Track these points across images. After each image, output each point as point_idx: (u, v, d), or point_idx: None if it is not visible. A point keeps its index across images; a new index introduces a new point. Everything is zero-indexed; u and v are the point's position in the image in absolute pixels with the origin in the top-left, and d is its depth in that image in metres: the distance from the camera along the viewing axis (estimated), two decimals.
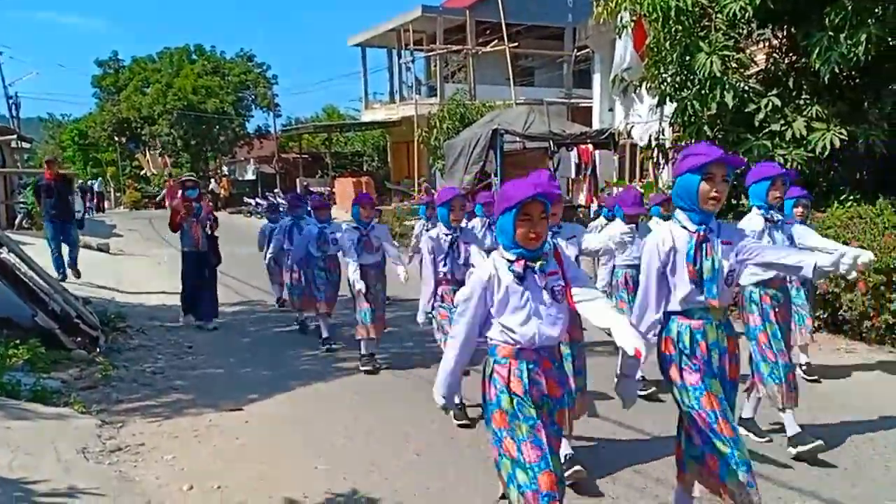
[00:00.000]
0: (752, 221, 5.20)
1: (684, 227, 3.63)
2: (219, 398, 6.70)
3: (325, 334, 8.74)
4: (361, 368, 7.69)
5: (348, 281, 7.68)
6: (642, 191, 8.90)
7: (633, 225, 6.34)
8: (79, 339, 8.12)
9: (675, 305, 3.67)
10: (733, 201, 10.00)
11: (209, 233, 9.94)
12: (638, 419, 5.80)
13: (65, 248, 13.04)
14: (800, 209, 6.15)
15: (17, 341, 7.37)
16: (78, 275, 12.90)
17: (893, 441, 5.47)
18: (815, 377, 7.03)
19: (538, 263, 3.34)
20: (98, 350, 8.09)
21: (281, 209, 12.03)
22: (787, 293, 5.43)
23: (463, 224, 6.47)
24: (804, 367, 7.03)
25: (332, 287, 8.76)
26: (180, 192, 10.13)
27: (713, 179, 3.48)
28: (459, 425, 5.87)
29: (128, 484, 4.78)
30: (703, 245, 3.58)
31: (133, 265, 17.20)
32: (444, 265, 6.15)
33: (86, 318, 8.44)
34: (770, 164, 5.45)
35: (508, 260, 3.35)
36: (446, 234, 6.14)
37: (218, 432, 5.87)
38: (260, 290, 12.20)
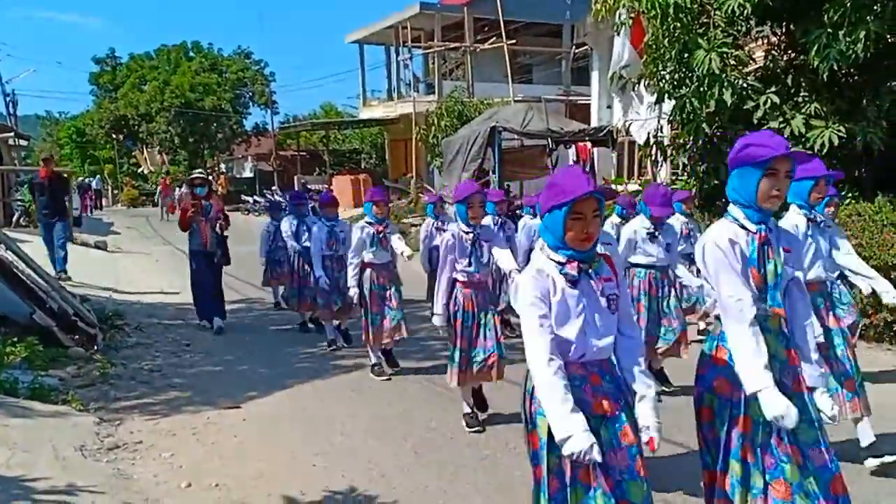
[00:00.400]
0: (793, 220, 4.84)
1: (743, 227, 3.21)
2: (217, 396, 6.69)
3: (329, 335, 8.63)
4: (373, 375, 7.41)
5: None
6: (671, 189, 8.73)
7: (656, 224, 6.25)
8: (77, 336, 8.10)
9: None
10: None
11: (219, 232, 9.65)
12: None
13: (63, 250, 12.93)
14: (832, 208, 5.83)
15: (15, 339, 7.37)
16: (67, 278, 12.29)
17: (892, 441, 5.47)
18: None
19: (592, 265, 3.01)
20: (96, 348, 8.08)
21: (284, 207, 11.72)
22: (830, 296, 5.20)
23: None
24: None
25: (340, 291, 8.23)
26: (177, 189, 10.09)
27: (776, 175, 3.09)
28: (472, 432, 5.75)
29: (126, 481, 4.78)
30: (765, 247, 3.19)
31: (131, 263, 17.18)
32: (469, 265, 5.72)
33: (83, 315, 8.42)
34: (816, 161, 5.11)
35: (558, 262, 2.99)
36: (467, 233, 5.72)
37: (216, 430, 5.86)
38: (258, 289, 12.18)
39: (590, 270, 3.00)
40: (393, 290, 7.31)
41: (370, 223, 7.20)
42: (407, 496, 4.62)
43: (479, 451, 5.38)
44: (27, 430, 5.31)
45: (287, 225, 9.66)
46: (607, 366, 3.07)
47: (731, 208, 3.28)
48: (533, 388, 3.00)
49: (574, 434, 2.75)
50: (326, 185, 32.68)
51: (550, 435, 2.85)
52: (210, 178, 42.57)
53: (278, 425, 5.99)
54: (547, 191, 2.98)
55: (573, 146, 20.55)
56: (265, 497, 4.62)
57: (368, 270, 7.25)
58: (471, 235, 5.72)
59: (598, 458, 2.76)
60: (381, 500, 4.56)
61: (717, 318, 3.35)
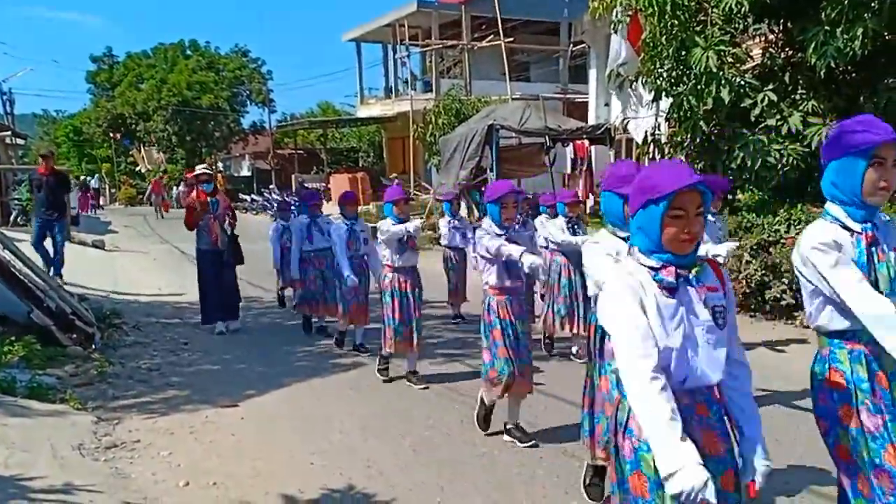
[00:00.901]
0: None
1: (845, 227, 2.83)
2: (215, 394, 6.69)
3: (358, 340, 8.25)
4: (379, 376, 7.22)
5: (378, 283, 7.12)
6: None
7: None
8: (74, 335, 8.10)
9: (840, 324, 2.84)
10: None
11: (228, 230, 9.29)
12: None
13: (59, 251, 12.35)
14: None
15: (13, 338, 7.35)
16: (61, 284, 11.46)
17: None
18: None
19: (693, 270, 2.49)
20: (94, 347, 8.08)
21: (293, 207, 11.34)
22: None
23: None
24: None
25: (361, 294, 7.95)
26: (175, 187, 9.99)
27: (884, 165, 2.70)
28: (527, 446, 5.37)
29: (123, 480, 4.78)
30: (874, 248, 2.79)
31: (128, 262, 17.17)
32: (504, 270, 5.29)
33: (81, 314, 8.41)
34: None
35: (651, 267, 2.48)
36: (499, 235, 5.23)
37: (214, 428, 5.86)
38: (256, 287, 12.18)
39: (690, 277, 2.48)
40: (416, 296, 6.90)
41: (397, 224, 6.70)
42: (405, 494, 4.62)
43: (477, 449, 5.38)
44: (25, 429, 5.31)
45: (299, 225, 9.15)
46: (715, 395, 2.56)
47: (830, 206, 2.90)
48: (627, 418, 2.51)
49: (685, 467, 2.23)
50: (324, 184, 32.70)
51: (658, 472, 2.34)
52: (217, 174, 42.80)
53: (276, 424, 5.99)
54: (639, 184, 2.51)
55: (571, 144, 20.60)
56: (263, 495, 4.62)
57: (392, 275, 6.81)
58: (503, 238, 5.22)
59: (713, 500, 2.24)
60: (379, 499, 4.56)
61: (819, 331, 2.95)
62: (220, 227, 9.16)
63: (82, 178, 38.78)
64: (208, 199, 9.20)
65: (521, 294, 5.55)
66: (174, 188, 43.20)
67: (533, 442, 5.38)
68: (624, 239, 3.49)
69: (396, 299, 6.78)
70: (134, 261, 17.45)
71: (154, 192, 36.50)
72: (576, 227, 7.59)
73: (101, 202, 44.66)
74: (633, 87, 11.50)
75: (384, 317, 6.86)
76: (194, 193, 9.43)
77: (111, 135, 49.61)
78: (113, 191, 49.96)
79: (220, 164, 48.86)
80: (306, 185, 32.96)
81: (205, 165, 10.39)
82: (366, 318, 8.18)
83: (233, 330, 9.34)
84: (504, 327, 5.29)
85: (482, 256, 5.33)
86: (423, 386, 6.92)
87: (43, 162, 12.49)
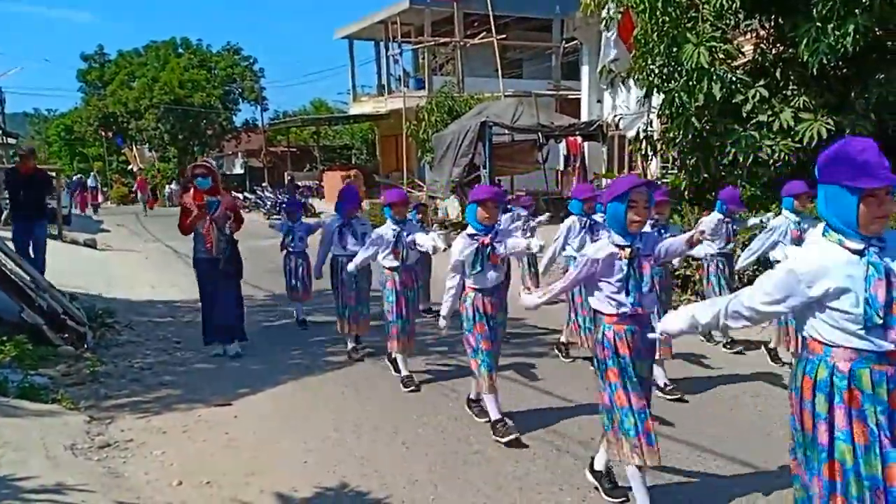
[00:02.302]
0: None
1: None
2: (208, 393, 6.68)
3: (403, 372, 7.00)
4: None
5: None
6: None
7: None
8: (66, 335, 8.06)
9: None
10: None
11: (227, 234, 7.89)
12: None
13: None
14: None
15: (4, 338, 7.32)
16: None
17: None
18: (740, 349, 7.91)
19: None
20: (86, 346, 8.05)
21: (299, 206, 10.57)
22: None
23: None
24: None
25: (410, 310, 6.99)
26: (168, 185, 9.63)
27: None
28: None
29: (116, 480, 4.77)
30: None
31: (120, 261, 17.11)
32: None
33: (73, 314, 8.38)
34: None
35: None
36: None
37: (207, 427, 5.85)
38: (248, 285, 12.14)
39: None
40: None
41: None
42: (399, 492, 4.63)
43: (470, 445, 5.38)
44: (17, 429, 5.29)
45: (328, 233, 8.03)
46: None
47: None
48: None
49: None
50: (317, 181, 32.69)
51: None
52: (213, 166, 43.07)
53: (270, 422, 5.98)
54: (838, 166, 2.84)
55: (563, 141, 20.62)
56: (257, 494, 4.62)
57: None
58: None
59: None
60: (372, 496, 4.56)
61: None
62: (217, 232, 7.81)
63: (76, 176, 38.65)
64: (206, 198, 7.79)
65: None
66: (167, 186, 43.18)
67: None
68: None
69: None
70: (126, 259, 17.40)
71: (139, 189, 36.97)
72: (592, 224, 7.31)
73: (100, 200, 44.72)
74: (625, 83, 11.50)
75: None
76: (189, 195, 7.96)
77: (102, 133, 49.51)
78: (105, 189, 49.84)
79: (212, 163, 48.76)
80: (298, 183, 32.98)
81: (203, 159, 9.10)
82: (412, 345, 7.12)
83: (232, 354, 8.06)
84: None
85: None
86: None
87: (22, 161, 11.44)
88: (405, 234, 6.82)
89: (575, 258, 6.80)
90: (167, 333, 9.24)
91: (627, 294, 4.07)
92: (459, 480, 4.78)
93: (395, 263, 6.82)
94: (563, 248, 7.48)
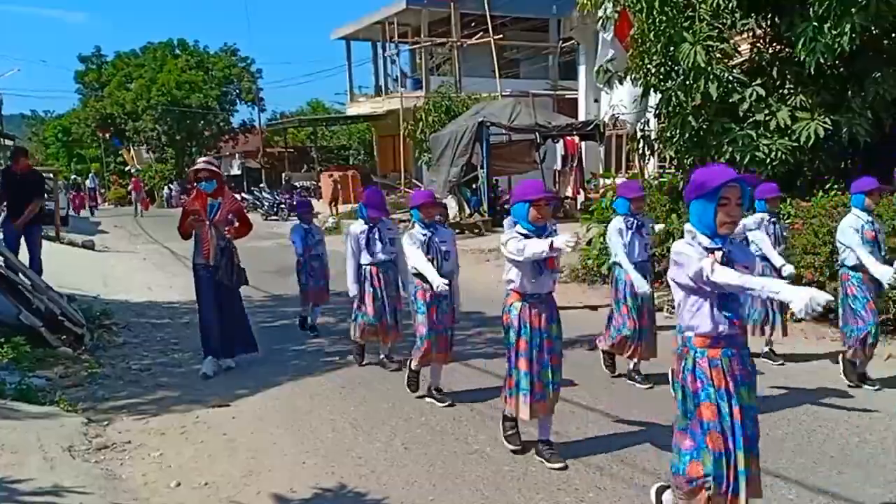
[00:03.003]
0: None
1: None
2: (206, 395, 6.67)
3: (438, 400, 6.37)
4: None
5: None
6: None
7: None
8: (64, 336, 8.06)
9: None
10: None
11: (226, 240, 7.28)
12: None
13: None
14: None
15: (2, 340, 7.32)
16: None
17: (880, 432, 5.51)
18: (781, 362, 7.35)
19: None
20: (83, 348, 8.05)
21: (309, 205, 9.69)
22: None
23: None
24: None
25: (444, 321, 6.32)
26: (166, 187, 9.39)
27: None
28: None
29: (114, 482, 4.77)
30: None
31: (118, 262, 17.11)
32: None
33: (70, 315, 8.38)
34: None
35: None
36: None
37: (205, 428, 5.85)
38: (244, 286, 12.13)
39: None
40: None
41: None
42: (397, 492, 4.63)
43: (468, 445, 5.38)
44: (15, 431, 5.29)
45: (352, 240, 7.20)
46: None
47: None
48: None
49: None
50: (315, 182, 32.69)
51: None
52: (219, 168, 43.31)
53: (267, 423, 5.98)
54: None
55: (561, 140, 20.63)
56: (255, 495, 4.62)
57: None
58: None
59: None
60: (370, 497, 4.56)
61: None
62: (216, 238, 7.20)
63: (72, 177, 38.69)
64: (209, 201, 7.24)
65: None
66: (165, 187, 43.17)
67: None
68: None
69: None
70: (124, 261, 17.39)
71: (135, 190, 37.29)
72: (640, 225, 6.62)
73: (98, 202, 44.80)
74: (622, 82, 11.50)
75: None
76: (191, 197, 7.59)
77: (100, 135, 49.49)
78: (102, 191, 49.85)
79: (216, 162, 48.76)
80: (294, 183, 33.00)
81: (206, 159, 7.91)
82: (448, 359, 6.54)
83: (226, 368, 7.52)
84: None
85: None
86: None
87: (15, 160, 10.83)
88: (436, 239, 6.16)
89: (620, 265, 6.58)
90: (165, 335, 9.24)
91: (721, 309, 3.48)
92: (458, 481, 4.78)
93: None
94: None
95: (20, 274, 8.42)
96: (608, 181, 14.12)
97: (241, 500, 4.56)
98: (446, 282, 5.89)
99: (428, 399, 6.38)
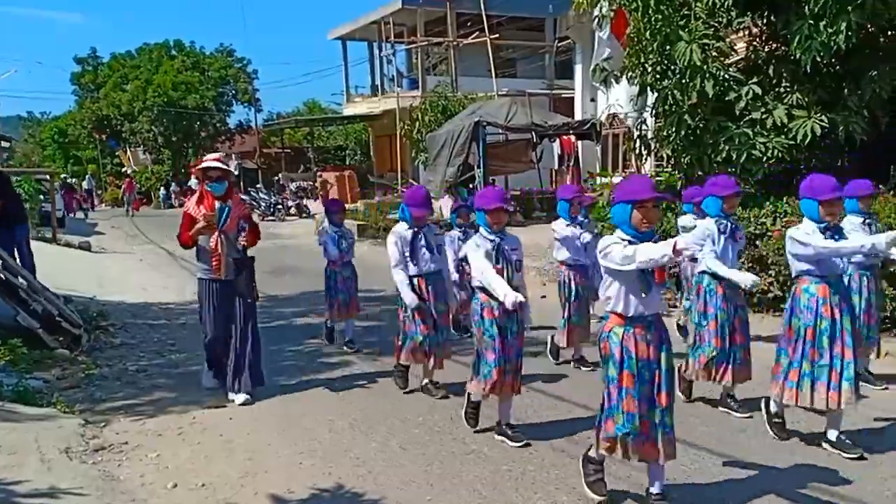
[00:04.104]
0: None
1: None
2: (202, 395, 6.66)
3: (512, 438, 5.41)
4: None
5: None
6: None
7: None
8: (61, 338, 8.06)
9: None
10: None
11: (239, 249, 6.41)
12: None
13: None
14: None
15: None
16: None
17: None
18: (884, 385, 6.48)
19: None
20: (81, 349, 8.04)
21: (341, 206, 8.76)
22: None
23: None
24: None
25: (513, 347, 5.39)
26: (163, 189, 8.92)
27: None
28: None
29: (112, 483, 4.76)
30: None
31: (115, 263, 17.08)
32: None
33: (68, 316, 8.37)
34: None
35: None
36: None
37: (202, 430, 5.84)
38: None
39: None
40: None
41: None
42: (394, 492, 4.62)
43: (466, 445, 5.38)
44: (12, 432, 5.28)
45: (399, 238, 6.30)
46: None
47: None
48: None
49: None
50: (312, 182, 32.66)
51: None
52: (194, 176, 43.35)
53: (264, 424, 5.97)
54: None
55: (557, 139, 20.63)
56: (252, 496, 4.61)
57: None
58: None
59: None
60: (368, 497, 4.56)
61: None
62: (226, 248, 6.35)
63: (62, 177, 38.70)
64: (216, 205, 6.32)
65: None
66: (161, 189, 43.12)
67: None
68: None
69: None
70: (120, 262, 17.36)
71: (127, 191, 38.17)
72: (734, 228, 5.89)
73: (94, 203, 44.84)
74: (619, 81, 11.51)
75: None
76: (194, 199, 6.50)
77: (96, 136, 49.43)
78: (99, 192, 49.79)
79: (227, 161, 48.71)
80: (283, 183, 33.04)
81: (216, 156, 6.88)
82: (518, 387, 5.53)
83: (240, 402, 6.45)
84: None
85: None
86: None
87: None
88: (506, 246, 5.28)
89: (706, 273, 5.83)
90: (161, 336, 9.23)
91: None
92: (455, 481, 4.78)
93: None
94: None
95: (17, 275, 8.41)
96: (605, 180, 14.15)
97: (239, 500, 4.56)
98: (521, 297, 4.95)
99: (498, 437, 5.44)
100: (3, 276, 8.26)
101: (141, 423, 5.99)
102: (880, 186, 6.66)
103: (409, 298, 6.20)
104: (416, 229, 6.27)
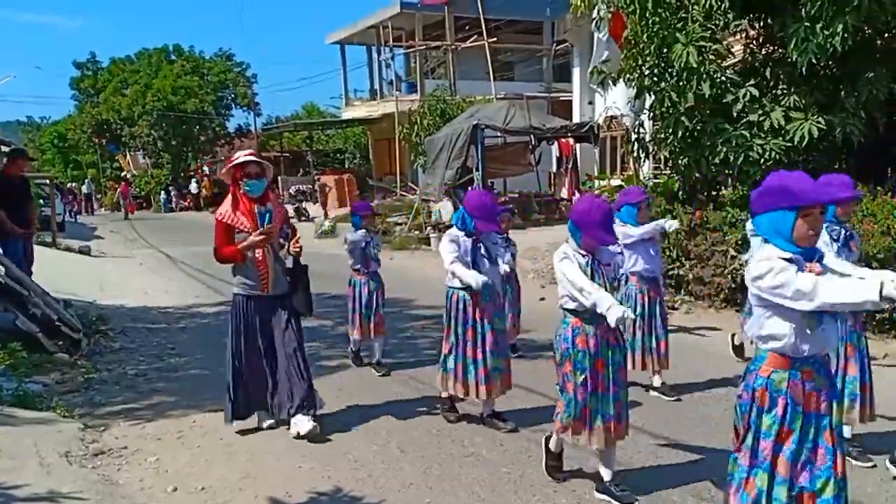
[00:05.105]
0: None
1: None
2: (202, 399, 6.66)
3: (619, 497, 4.45)
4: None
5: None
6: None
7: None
8: (60, 342, 8.06)
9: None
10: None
11: (289, 258, 5.61)
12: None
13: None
14: None
15: None
16: None
17: None
18: None
19: None
20: (80, 353, 8.05)
21: (369, 208, 7.93)
22: None
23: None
24: None
25: (620, 378, 4.52)
26: (163, 193, 8.27)
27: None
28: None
29: (111, 487, 4.77)
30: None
31: (114, 267, 17.08)
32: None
33: (67, 321, 8.37)
34: None
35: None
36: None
37: (201, 433, 5.85)
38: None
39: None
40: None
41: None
42: (393, 495, 4.63)
43: (465, 448, 5.39)
44: (11, 437, 5.29)
45: (453, 245, 5.52)
46: None
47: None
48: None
49: None
50: (311, 186, 32.68)
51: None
52: (194, 180, 43.06)
53: (263, 427, 5.97)
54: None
55: (556, 142, 20.66)
56: (251, 499, 4.62)
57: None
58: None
59: None
60: (366, 500, 4.57)
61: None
62: (273, 259, 5.49)
63: (56, 181, 38.90)
64: (256, 209, 5.45)
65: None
66: (162, 193, 43.17)
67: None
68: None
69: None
70: (120, 266, 17.36)
71: (122, 194, 38.71)
72: (848, 236, 5.30)
73: (94, 207, 44.95)
74: (616, 84, 11.54)
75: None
76: (226, 204, 5.50)
77: (96, 140, 49.48)
78: (99, 196, 49.86)
79: (205, 168, 48.79)
80: (292, 184, 33.05)
81: (251, 150, 6.31)
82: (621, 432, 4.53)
83: (307, 432, 5.52)
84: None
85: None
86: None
87: (8, 163, 9.58)
88: (603, 259, 4.46)
89: None
90: (161, 340, 9.23)
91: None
92: (455, 483, 4.79)
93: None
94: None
95: (17, 279, 8.41)
96: (603, 183, 14.17)
97: None
98: (630, 313, 4.11)
99: (600, 496, 4.53)
100: (2, 280, 8.26)
101: (140, 426, 5.99)
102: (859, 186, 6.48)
103: (475, 278, 5.25)
104: (474, 238, 5.53)
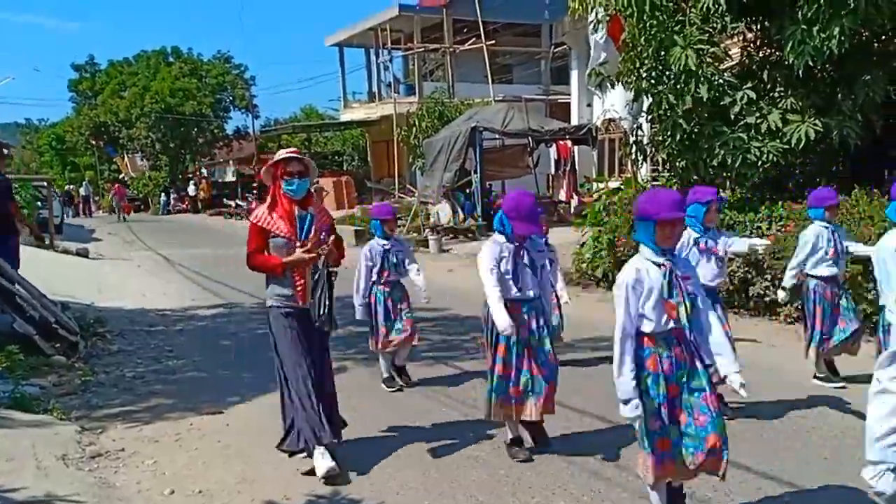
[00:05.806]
0: None
1: None
2: (199, 401, 6.66)
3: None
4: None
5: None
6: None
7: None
8: (58, 344, 8.05)
9: None
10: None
11: (327, 269, 4.93)
12: None
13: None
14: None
15: None
16: None
17: None
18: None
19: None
20: (77, 355, 8.04)
21: (391, 212, 7.15)
22: None
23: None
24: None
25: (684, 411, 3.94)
26: (163, 195, 8.02)
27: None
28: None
29: (108, 490, 4.77)
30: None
31: (112, 269, 17.06)
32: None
33: (64, 323, 8.37)
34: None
35: None
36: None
37: (199, 436, 5.85)
38: (239, 292, 12.14)
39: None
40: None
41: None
42: (391, 497, 4.63)
43: (463, 451, 5.38)
44: (8, 439, 5.29)
45: (492, 256, 4.99)
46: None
47: None
48: None
49: None
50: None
51: None
52: (192, 182, 43.00)
53: (262, 430, 5.95)
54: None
55: (554, 145, 20.69)
56: (248, 502, 4.62)
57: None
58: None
59: None
60: (365, 503, 4.56)
61: None
62: (312, 269, 4.92)
63: (71, 186, 39.02)
64: (296, 213, 4.97)
65: None
66: (162, 195, 43.15)
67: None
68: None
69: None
70: (118, 268, 17.34)
71: (117, 195, 38.98)
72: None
73: (91, 209, 44.94)
74: (614, 86, 11.54)
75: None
76: (263, 207, 5.04)
77: (94, 143, 49.45)
78: (96, 198, 49.83)
79: (203, 171, 48.78)
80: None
81: (293, 149, 6.00)
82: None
83: (328, 470, 4.86)
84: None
85: None
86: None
87: None
88: (678, 271, 3.85)
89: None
90: (159, 342, 9.23)
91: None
92: (453, 485, 4.78)
93: (667, 325, 3.82)
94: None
95: (14, 281, 8.40)
96: (601, 185, 14.17)
97: None
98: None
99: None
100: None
101: (138, 429, 5.99)
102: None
103: (503, 321, 4.82)
104: (516, 245, 5.02)
